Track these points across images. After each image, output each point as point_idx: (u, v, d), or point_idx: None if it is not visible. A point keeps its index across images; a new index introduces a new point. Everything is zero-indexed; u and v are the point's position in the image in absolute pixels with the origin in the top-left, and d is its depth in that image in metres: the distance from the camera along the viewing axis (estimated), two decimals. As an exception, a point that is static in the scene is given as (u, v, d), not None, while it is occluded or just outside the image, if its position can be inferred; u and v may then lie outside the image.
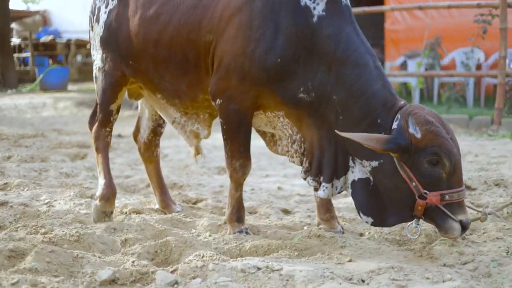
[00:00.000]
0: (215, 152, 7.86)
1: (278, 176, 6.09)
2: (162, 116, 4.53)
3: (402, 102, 3.58)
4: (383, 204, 3.59)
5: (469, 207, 3.64)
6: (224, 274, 2.96)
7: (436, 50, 12.08)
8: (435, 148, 3.41)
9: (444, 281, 2.91)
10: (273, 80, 3.69)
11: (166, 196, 4.76)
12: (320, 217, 4.07)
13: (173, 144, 8.77)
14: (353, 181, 3.68)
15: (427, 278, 2.95)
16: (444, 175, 3.45)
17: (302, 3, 3.67)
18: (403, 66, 14.05)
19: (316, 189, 3.78)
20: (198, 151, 4.47)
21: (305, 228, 4.06)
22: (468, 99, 12.92)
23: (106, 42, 4.37)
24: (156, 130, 4.76)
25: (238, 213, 3.97)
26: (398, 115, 3.49)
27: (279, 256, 3.40)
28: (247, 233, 3.90)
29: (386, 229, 3.93)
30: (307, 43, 3.66)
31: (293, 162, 3.97)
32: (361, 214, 3.65)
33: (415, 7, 11.01)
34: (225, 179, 5.91)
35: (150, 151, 4.77)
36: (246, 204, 4.77)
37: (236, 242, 3.62)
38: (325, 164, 3.71)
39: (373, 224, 3.65)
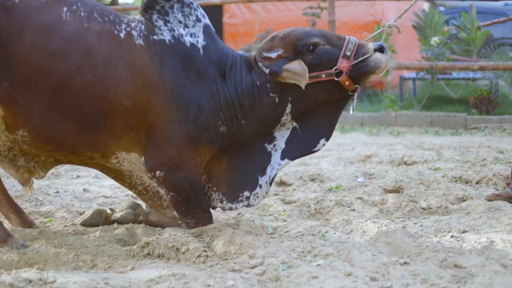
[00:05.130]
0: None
1: (89, 177, 5.76)
2: None
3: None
4: (321, 121, 3.72)
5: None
6: (-9, 290, 2.72)
7: (267, 44, 12.03)
8: (300, 41, 3.56)
9: (225, 288, 2.80)
10: (203, 132, 3.63)
11: (24, 214, 3.92)
12: None
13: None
14: (283, 150, 3.77)
15: (208, 286, 2.86)
16: (325, 47, 3.57)
17: (188, 44, 3.64)
18: (242, 60, 13.93)
19: (246, 205, 3.83)
20: (30, 189, 3.81)
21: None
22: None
23: None
24: None
25: None
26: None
27: (61, 265, 3.17)
28: None
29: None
30: (196, 67, 3.67)
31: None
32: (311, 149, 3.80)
33: (245, 0, 10.85)
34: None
35: None
36: (43, 208, 4.44)
37: (18, 254, 3.26)
38: (244, 177, 3.77)
39: (323, 145, 3.78)
